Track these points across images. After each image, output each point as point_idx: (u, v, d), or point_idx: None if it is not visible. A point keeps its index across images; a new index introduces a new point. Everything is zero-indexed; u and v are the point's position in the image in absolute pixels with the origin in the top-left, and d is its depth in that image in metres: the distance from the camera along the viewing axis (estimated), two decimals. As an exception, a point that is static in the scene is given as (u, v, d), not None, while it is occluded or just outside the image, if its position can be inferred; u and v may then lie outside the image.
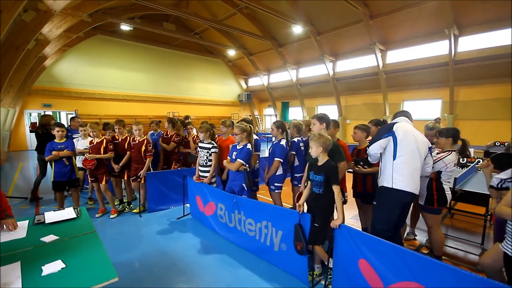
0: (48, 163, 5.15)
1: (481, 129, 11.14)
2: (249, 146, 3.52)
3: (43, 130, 5.24)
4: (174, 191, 4.93)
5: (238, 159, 3.46)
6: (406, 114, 2.84)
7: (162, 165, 5.33)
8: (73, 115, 13.57)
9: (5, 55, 5.86)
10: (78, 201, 4.52)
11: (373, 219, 2.74)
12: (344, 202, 3.38)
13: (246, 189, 3.53)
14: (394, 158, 2.54)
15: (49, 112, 14.35)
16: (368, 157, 2.79)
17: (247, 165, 3.51)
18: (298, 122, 4.18)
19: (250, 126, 3.67)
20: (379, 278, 2.15)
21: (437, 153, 2.96)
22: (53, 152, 4.09)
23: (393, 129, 2.57)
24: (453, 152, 2.88)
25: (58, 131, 4.23)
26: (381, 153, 2.66)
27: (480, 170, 4.81)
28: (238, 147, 3.60)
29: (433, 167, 2.83)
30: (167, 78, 18.40)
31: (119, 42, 16.14)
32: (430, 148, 2.73)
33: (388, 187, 2.55)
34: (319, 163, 2.60)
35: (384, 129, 2.67)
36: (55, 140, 4.24)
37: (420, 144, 2.57)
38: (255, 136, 4.08)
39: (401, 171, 2.50)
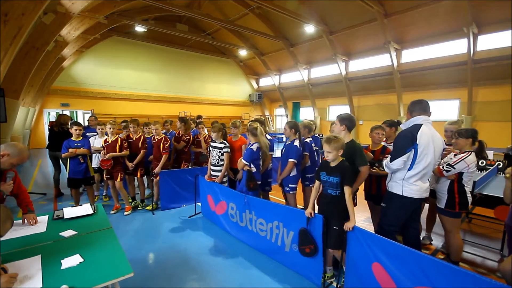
0: (60, 159, 5.41)
1: (501, 131, 10.67)
2: (254, 146, 3.55)
3: (59, 128, 5.42)
4: (186, 190, 4.99)
5: (241, 159, 3.56)
6: (423, 107, 2.56)
7: (172, 164, 5.41)
8: (90, 115, 14.00)
9: (27, 56, 6.08)
10: (93, 198, 4.66)
11: (381, 219, 2.72)
12: (354, 204, 3.34)
13: (246, 188, 3.55)
14: (409, 169, 2.47)
15: (66, 111, 14.86)
16: (385, 167, 2.66)
17: (251, 165, 3.54)
18: (308, 122, 4.16)
19: (257, 126, 3.67)
20: (394, 282, 2.10)
21: (454, 155, 2.87)
22: (70, 150, 4.21)
23: (417, 141, 2.39)
24: (472, 152, 2.79)
25: (76, 130, 4.32)
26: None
27: (501, 174, 4.62)
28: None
29: (454, 168, 2.74)
30: (179, 78, 18.66)
31: (134, 43, 16.49)
32: (443, 149, 2.67)
33: (398, 194, 2.53)
34: (333, 164, 2.53)
35: (406, 140, 2.45)
36: (72, 138, 4.36)
37: (437, 150, 2.50)
38: (268, 137, 4.08)
39: (413, 181, 2.46)
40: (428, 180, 2.58)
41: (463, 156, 2.75)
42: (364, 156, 2.78)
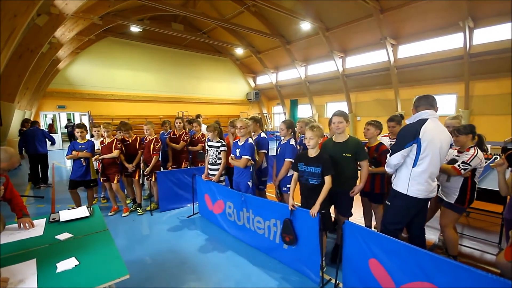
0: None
1: (498, 124, 10.70)
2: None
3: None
4: (183, 190, 4.98)
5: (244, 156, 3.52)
6: (430, 101, 2.44)
7: (172, 165, 5.38)
8: (87, 116, 13.93)
9: (21, 58, 6.04)
10: (92, 200, 4.64)
11: (384, 218, 2.65)
12: None
13: (252, 185, 3.56)
14: (413, 166, 2.36)
15: (63, 114, 14.90)
16: (386, 167, 2.57)
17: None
18: (309, 119, 4.13)
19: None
20: (391, 278, 2.10)
21: (459, 151, 2.88)
22: (73, 152, 4.26)
23: (420, 135, 2.28)
24: (477, 147, 2.80)
25: (77, 132, 4.35)
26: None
27: (493, 169, 4.64)
28: (239, 143, 3.67)
29: (471, 165, 2.69)
30: (176, 78, 18.59)
31: (129, 43, 16.40)
32: (451, 145, 2.59)
33: (402, 193, 2.43)
34: (313, 155, 2.75)
35: (408, 134, 2.35)
36: (77, 140, 4.40)
37: (444, 146, 2.39)
38: (262, 134, 4.08)
39: (419, 180, 2.35)
40: (436, 179, 2.48)
41: (475, 153, 2.72)
42: (365, 150, 2.95)
